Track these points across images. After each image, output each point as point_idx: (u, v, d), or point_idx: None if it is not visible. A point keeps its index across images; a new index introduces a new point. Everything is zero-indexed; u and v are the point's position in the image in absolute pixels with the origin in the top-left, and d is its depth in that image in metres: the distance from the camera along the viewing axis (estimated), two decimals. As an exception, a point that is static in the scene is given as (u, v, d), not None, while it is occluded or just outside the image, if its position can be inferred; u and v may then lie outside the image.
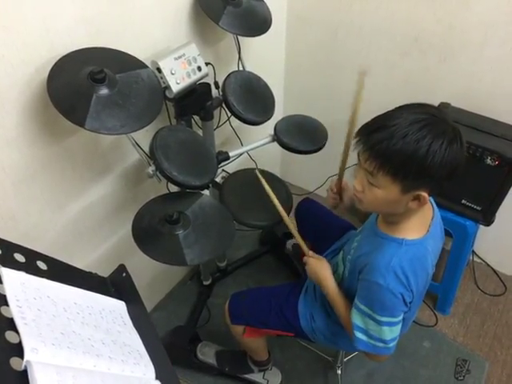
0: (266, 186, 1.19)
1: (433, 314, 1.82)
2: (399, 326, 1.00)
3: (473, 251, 1.95)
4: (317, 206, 1.55)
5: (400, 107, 0.91)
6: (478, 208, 1.53)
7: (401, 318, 0.99)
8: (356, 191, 0.97)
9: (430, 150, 0.83)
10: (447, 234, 1.59)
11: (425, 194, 0.89)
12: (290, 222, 1.21)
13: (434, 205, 1.07)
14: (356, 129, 1.12)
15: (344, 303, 1.09)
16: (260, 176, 1.21)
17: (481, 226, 1.61)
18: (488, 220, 1.53)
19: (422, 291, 1.02)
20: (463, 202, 1.54)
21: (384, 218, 1.03)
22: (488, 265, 1.99)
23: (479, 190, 1.49)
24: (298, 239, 1.21)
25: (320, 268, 1.15)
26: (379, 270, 0.95)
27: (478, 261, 2.00)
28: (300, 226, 1.53)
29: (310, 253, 1.19)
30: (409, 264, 0.94)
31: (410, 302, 0.98)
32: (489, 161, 1.41)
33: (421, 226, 1.00)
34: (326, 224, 1.45)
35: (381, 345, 1.00)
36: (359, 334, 1.01)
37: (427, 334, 1.75)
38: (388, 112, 0.91)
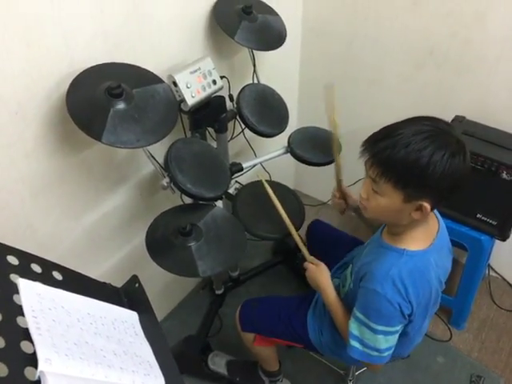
0: (269, 190, 1.23)
1: (447, 329, 1.80)
2: (395, 337, 1.00)
3: (489, 265, 1.92)
4: (327, 226, 1.57)
5: (408, 119, 0.93)
6: (494, 222, 1.51)
7: (397, 328, 0.99)
8: (361, 199, 1.00)
9: (431, 161, 0.85)
10: (462, 247, 1.59)
11: (427, 205, 0.90)
12: (292, 227, 1.23)
13: (440, 219, 1.07)
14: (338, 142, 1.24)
15: (342, 310, 1.11)
16: (265, 183, 1.24)
17: (497, 240, 1.59)
18: (503, 235, 1.51)
19: (425, 305, 1.02)
20: (478, 216, 1.52)
21: (389, 229, 1.05)
22: (504, 279, 1.96)
23: (495, 204, 1.47)
24: (300, 244, 1.23)
25: (319, 274, 1.16)
26: (377, 278, 0.96)
27: (494, 275, 1.96)
28: (312, 247, 1.55)
29: (311, 258, 1.21)
30: (408, 275, 0.95)
31: (410, 315, 0.98)
32: (504, 175, 1.39)
33: (424, 238, 1.00)
34: (336, 243, 1.45)
35: (375, 354, 1.00)
36: (354, 343, 1.02)
37: (441, 349, 1.73)
38: (395, 123, 0.93)
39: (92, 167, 1.22)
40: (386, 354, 1.01)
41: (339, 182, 1.33)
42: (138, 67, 1.11)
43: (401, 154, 0.86)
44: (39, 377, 0.60)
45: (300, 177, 2.33)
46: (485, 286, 1.93)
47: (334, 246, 1.45)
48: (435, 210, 1.06)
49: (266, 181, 1.28)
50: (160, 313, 1.80)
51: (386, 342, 0.99)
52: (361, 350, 1.01)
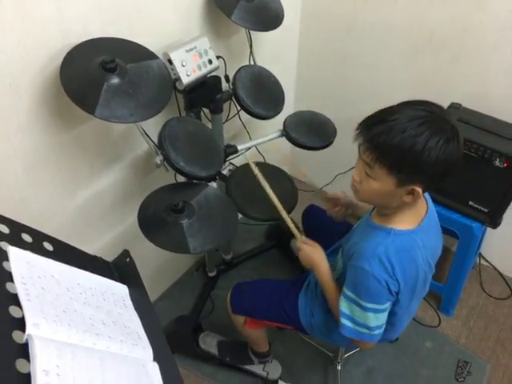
0: (256, 171, 1.23)
1: (436, 315, 1.82)
2: (385, 314, 1.02)
3: (480, 254, 1.94)
4: (322, 212, 1.57)
5: (402, 103, 0.93)
6: (485, 210, 1.52)
7: (387, 306, 1.01)
8: (354, 181, 1.00)
9: (426, 147, 0.85)
10: (453, 234, 1.60)
11: (419, 189, 0.91)
12: (281, 207, 1.22)
13: (430, 202, 1.08)
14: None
15: (335, 288, 1.12)
16: (252, 165, 1.24)
17: (489, 229, 1.60)
18: (494, 222, 1.53)
19: (412, 285, 1.03)
20: (470, 203, 1.53)
21: (378, 210, 1.06)
22: (495, 268, 1.98)
23: (487, 191, 1.48)
24: (290, 224, 1.23)
25: (314, 252, 1.17)
26: (365, 255, 0.98)
27: (485, 263, 1.99)
28: (308, 233, 1.56)
29: (303, 238, 1.21)
30: (395, 253, 0.96)
31: (397, 293, 1.00)
32: (497, 163, 1.40)
33: (412, 219, 1.01)
34: (331, 229, 1.44)
35: (365, 331, 1.03)
36: (345, 321, 1.04)
37: (429, 334, 1.75)
38: (390, 107, 0.93)
39: (86, 144, 1.21)
40: (376, 332, 1.03)
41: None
42: (133, 42, 1.11)
43: (396, 140, 0.86)
44: (27, 340, 0.61)
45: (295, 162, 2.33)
46: (475, 274, 1.96)
47: (329, 232, 1.45)
48: (426, 193, 1.07)
49: (260, 162, 1.28)
50: (154, 293, 1.82)
51: (376, 320, 1.01)
52: (351, 327, 1.04)
